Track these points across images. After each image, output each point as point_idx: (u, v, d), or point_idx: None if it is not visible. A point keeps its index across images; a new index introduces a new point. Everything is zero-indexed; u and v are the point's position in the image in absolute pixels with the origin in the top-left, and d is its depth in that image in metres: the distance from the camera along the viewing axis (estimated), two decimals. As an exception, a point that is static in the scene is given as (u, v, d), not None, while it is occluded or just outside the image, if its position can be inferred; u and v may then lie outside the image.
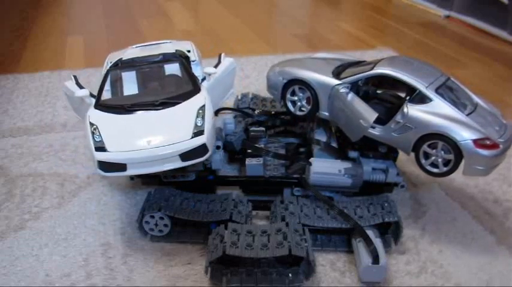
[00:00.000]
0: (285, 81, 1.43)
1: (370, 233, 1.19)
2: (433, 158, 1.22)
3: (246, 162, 1.38)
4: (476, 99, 1.29)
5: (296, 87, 1.42)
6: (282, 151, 1.50)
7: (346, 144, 1.40)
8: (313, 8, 3.98)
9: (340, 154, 1.39)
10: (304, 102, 1.43)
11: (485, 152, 1.15)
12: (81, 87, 1.35)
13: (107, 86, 1.33)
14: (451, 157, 1.18)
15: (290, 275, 1.14)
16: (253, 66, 2.48)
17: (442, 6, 3.49)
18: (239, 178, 1.41)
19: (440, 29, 3.24)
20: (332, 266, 1.22)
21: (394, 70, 1.29)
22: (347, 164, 1.33)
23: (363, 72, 1.32)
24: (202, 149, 1.18)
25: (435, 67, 1.35)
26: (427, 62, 1.38)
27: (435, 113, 1.20)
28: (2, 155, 1.70)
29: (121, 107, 1.24)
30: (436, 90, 1.23)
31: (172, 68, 1.40)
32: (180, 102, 1.25)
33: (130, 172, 1.17)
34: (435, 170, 1.23)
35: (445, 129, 1.17)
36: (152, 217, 1.26)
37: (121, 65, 1.38)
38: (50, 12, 3.53)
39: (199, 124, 1.19)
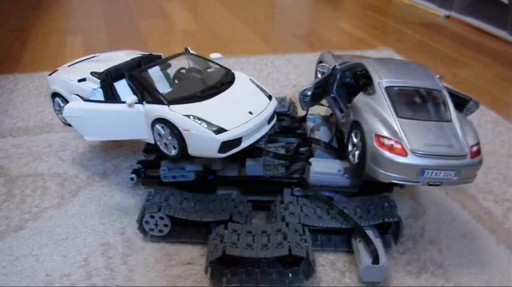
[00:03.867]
0: (318, 61, 1.70)
1: (370, 233, 1.19)
2: (354, 148, 1.21)
3: (246, 162, 1.38)
4: (454, 119, 1.15)
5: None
6: (282, 151, 1.50)
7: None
8: (313, 8, 3.99)
9: (340, 153, 1.39)
10: None
11: (385, 152, 1.08)
12: (97, 100, 1.34)
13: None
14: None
15: (290, 275, 1.14)
16: (253, 66, 2.48)
17: (442, 6, 3.49)
18: (239, 178, 1.41)
19: (440, 29, 3.24)
20: (332, 266, 1.22)
21: (368, 63, 1.31)
22: (347, 164, 1.33)
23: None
24: (275, 112, 1.37)
25: (430, 76, 1.26)
26: (427, 68, 1.31)
27: (369, 104, 1.19)
28: (2, 155, 1.70)
29: (194, 95, 1.28)
30: (387, 87, 1.19)
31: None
32: (233, 81, 1.37)
33: (243, 145, 1.24)
34: (352, 160, 1.23)
35: (360, 119, 1.17)
36: (152, 217, 1.26)
37: (148, 66, 1.39)
38: (50, 13, 3.53)
39: (262, 91, 1.37)
